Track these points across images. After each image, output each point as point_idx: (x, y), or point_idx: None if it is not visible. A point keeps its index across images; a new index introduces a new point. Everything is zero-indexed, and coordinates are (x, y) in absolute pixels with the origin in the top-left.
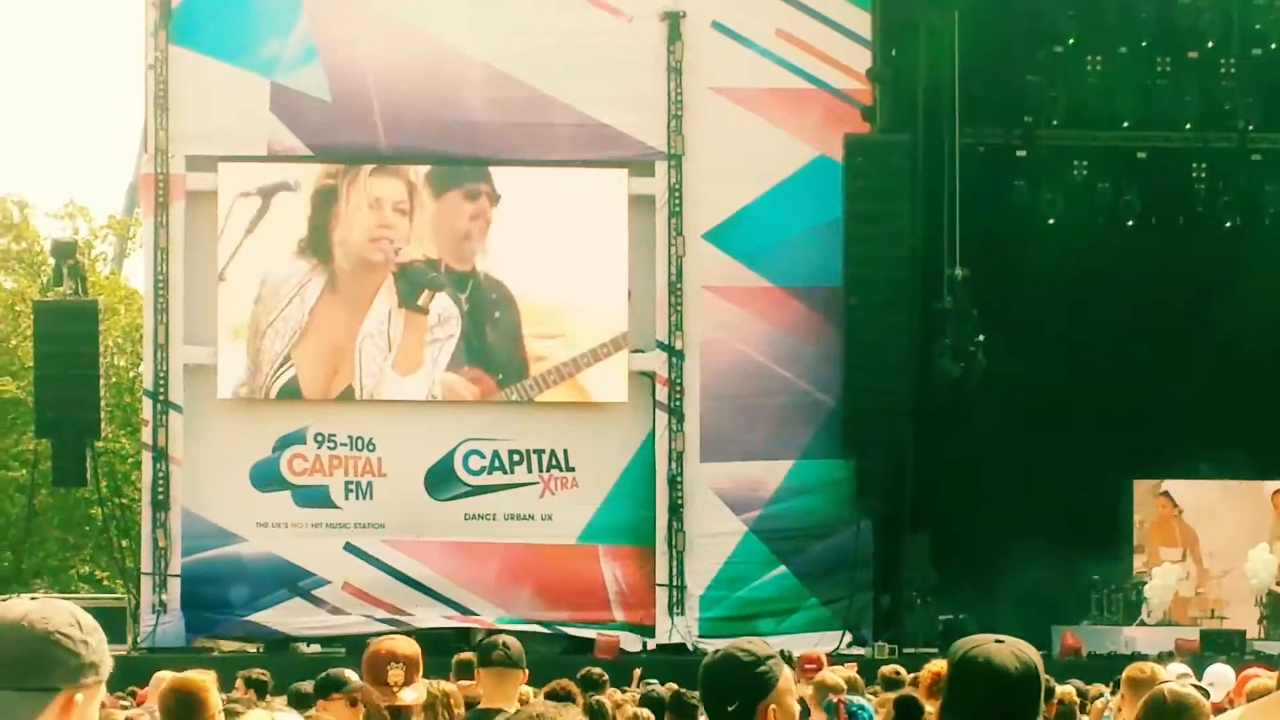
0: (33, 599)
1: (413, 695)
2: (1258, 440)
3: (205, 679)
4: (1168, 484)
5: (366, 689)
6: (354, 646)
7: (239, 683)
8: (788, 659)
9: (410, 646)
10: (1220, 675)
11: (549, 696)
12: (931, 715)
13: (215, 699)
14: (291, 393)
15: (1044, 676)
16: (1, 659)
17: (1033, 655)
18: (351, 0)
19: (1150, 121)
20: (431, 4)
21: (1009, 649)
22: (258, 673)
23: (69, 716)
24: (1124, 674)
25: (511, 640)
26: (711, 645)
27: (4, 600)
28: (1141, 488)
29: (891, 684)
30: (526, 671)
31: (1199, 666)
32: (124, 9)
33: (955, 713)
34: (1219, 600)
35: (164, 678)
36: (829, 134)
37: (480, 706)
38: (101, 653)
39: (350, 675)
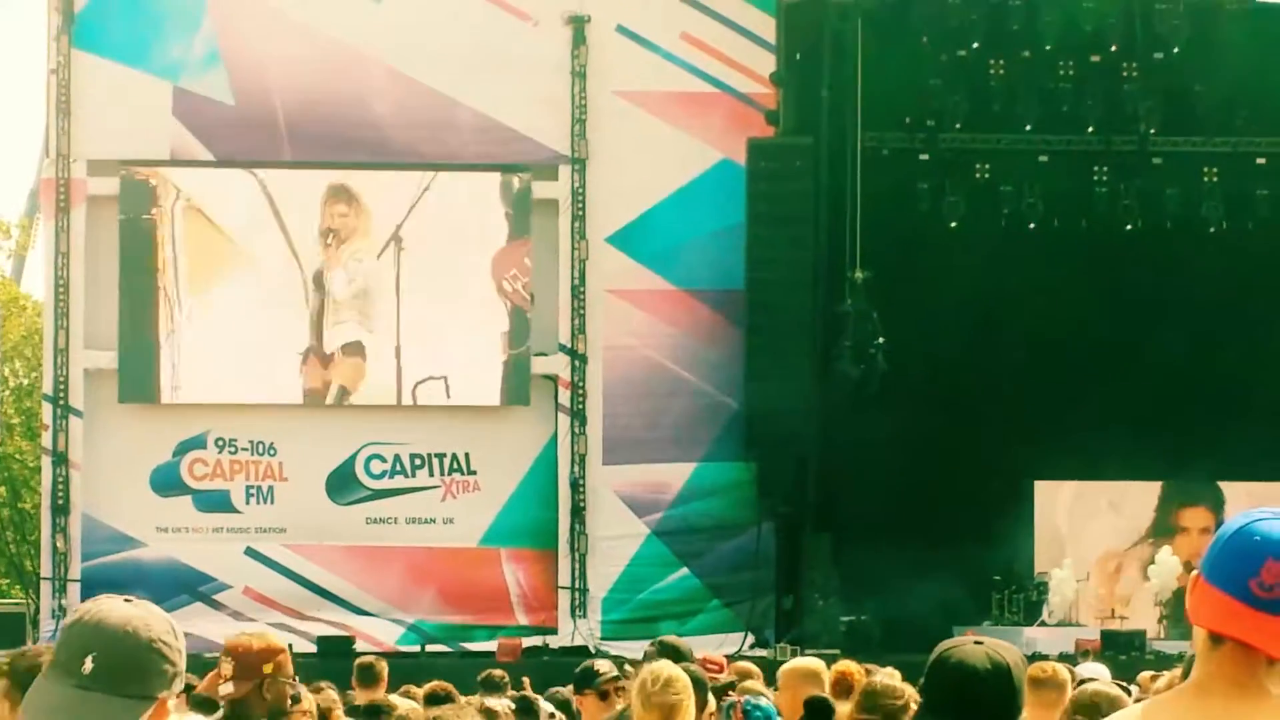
0: (127, 600)
1: (229, 689)
2: (1158, 441)
3: None
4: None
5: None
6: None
7: None
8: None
9: (250, 641)
10: (1096, 672)
11: (427, 698)
12: (842, 716)
13: None
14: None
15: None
16: (108, 664)
17: (1008, 656)
18: (255, 4)
19: (1053, 125)
20: (335, 7)
21: (984, 650)
22: None
23: None
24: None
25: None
26: (614, 648)
27: (96, 601)
28: (1043, 488)
29: None
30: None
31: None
32: (26, 13)
33: (930, 712)
34: (1119, 599)
35: None
36: (733, 138)
37: None
38: (184, 659)
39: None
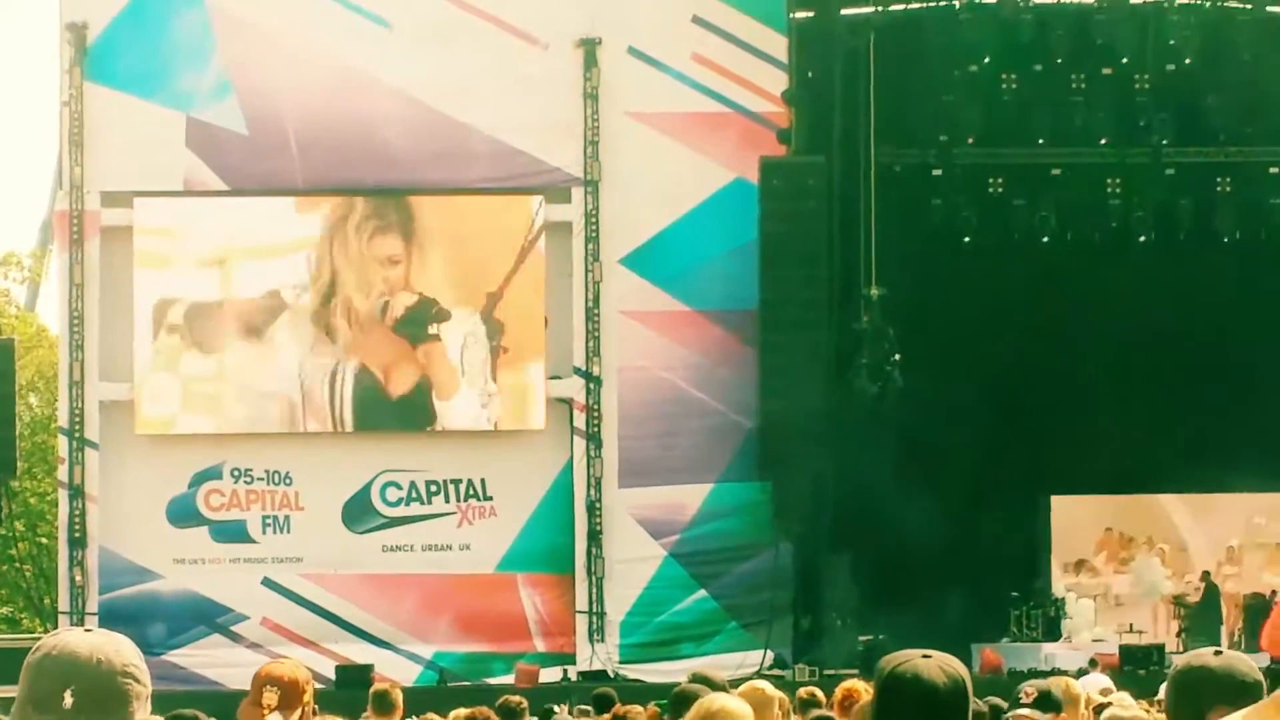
0: (88, 631)
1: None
2: (1173, 454)
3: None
4: None
5: (243, 707)
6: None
7: None
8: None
9: (293, 671)
10: (1099, 684)
11: None
12: None
13: None
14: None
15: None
16: (87, 695)
17: (960, 670)
18: (265, 33)
19: (1065, 138)
20: (345, 35)
21: (936, 664)
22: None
23: None
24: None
25: None
26: (632, 672)
27: (56, 635)
28: (1059, 504)
29: (807, 705)
30: None
31: (1121, 682)
32: (38, 46)
33: None
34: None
35: None
36: (745, 157)
37: None
38: (150, 678)
39: None
